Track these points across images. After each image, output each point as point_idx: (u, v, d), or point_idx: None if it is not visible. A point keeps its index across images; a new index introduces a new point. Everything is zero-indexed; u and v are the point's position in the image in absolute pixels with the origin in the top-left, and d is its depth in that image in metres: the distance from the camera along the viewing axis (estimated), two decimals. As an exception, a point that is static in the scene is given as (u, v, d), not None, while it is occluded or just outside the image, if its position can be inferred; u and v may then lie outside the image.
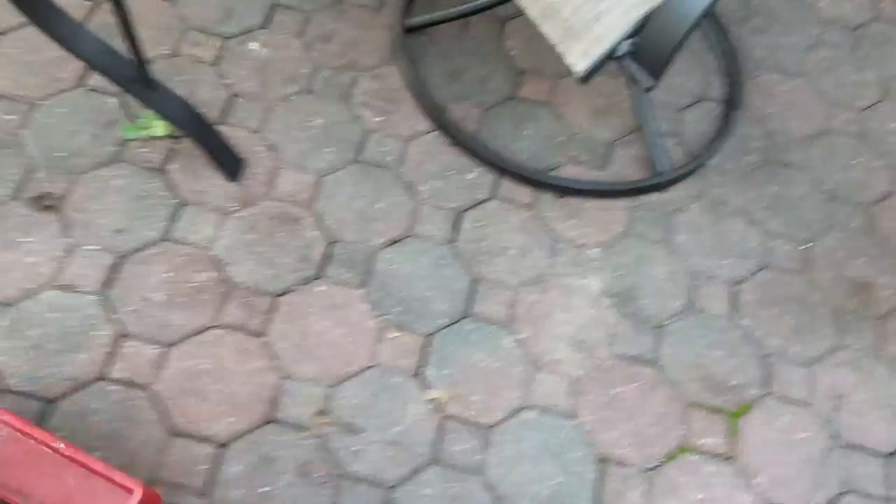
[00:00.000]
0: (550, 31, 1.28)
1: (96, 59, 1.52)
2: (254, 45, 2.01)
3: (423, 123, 1.96)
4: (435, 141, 1.94)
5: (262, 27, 2.05)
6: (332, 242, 1.76)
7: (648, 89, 1.36)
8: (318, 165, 1.86)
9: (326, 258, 1.74)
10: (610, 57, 1.23)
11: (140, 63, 1.55)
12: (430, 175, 1.89)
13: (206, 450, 1.49)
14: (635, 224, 1.90)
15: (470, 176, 1.90)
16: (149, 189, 1.76)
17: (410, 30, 2.07)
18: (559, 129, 2.01)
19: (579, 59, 1.22)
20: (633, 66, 1.30)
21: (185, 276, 1.67)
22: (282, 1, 2.10)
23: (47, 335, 1.55)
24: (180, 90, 1.89)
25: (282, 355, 1.61)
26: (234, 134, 1.86)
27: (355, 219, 1.80)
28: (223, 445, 1.50)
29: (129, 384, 1.53)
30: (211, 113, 1.88)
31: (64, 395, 1.50)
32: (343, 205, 1.81)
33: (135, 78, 1.58)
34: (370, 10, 2.13)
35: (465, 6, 2.06)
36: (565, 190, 1.89)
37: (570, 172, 1.95)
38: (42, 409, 1.48)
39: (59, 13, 1.46)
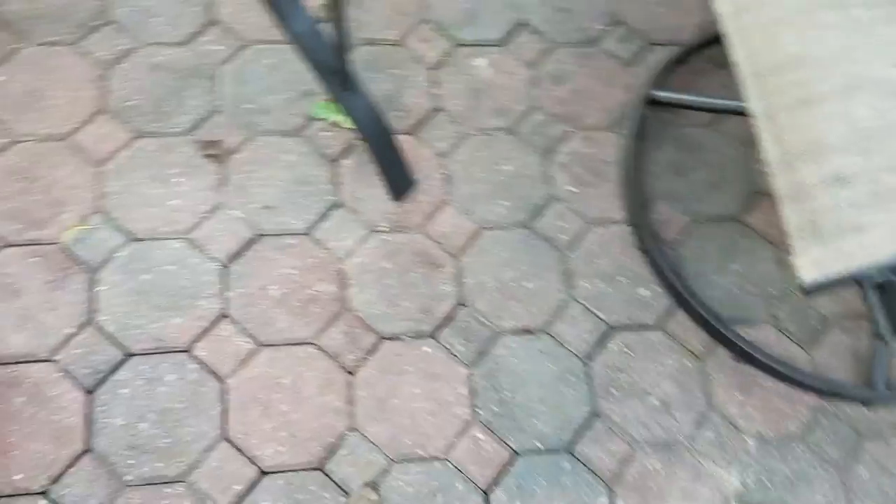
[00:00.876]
0: (790, 214, 0.98)
1: (301, 38, 1.42)
2: (480, 62, 1.84)
3: (617, 211, 1.70)
4: (620, 236, 1.67)
5: (496, 45, 1.87)
6: (460, 304, 1.57)
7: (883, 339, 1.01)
8: (485, 215, 1.67)
9: (447, 319, 1.56)
10: (850, 279, 0.92)
11: (342, 57, 1.43)
12: (598, 273, 1.63)
13: (248, 471, 1.40)
14: (815, 431, 1.53)
15: (642, 292, 1.63)
16: (314, 176, 1.67)
17: (654, 102, 1.79)
18: (775, 278, 1.66)
19: (809, 268, 0.92)
20: (876, 307, 0.97)
21: (308, 281, 1.57)
22: (531, 21, 1.90)
23: (156, 285, 1.53)
24: (387, 85, 1.77)
25: (360, 404, 1.47)
26: (418, 151, 1.72)
27: (496, 289, 1.60)
28: (264, 473, 1.41)
29: (208, 369, 1.47)
30: (405, 120, 1.74)
31: (143, 353, 1.47)
32: (490, 269, 1.61)
33: (333, 69, 1.47)
34: (620, 62, 1.87)
35: (726, 102, 1.74)
36: (748, 356, 1.56)
37: (765, 337, 1.60)
38: (116, 357, 1.46)
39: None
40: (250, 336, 1.51)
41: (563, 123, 1.78)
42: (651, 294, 1.63)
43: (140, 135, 1.66)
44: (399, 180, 1.65)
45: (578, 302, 1.60)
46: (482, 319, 1.57)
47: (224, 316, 1.52)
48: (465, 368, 1.52)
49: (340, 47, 1.41)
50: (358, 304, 1.56)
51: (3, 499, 1.33)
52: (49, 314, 1.47)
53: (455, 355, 1.53)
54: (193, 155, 1.66)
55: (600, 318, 1.59)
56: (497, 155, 1.73)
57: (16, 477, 1.35)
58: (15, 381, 1.41)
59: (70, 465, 1.37)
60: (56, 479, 1.35)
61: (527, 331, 1.57)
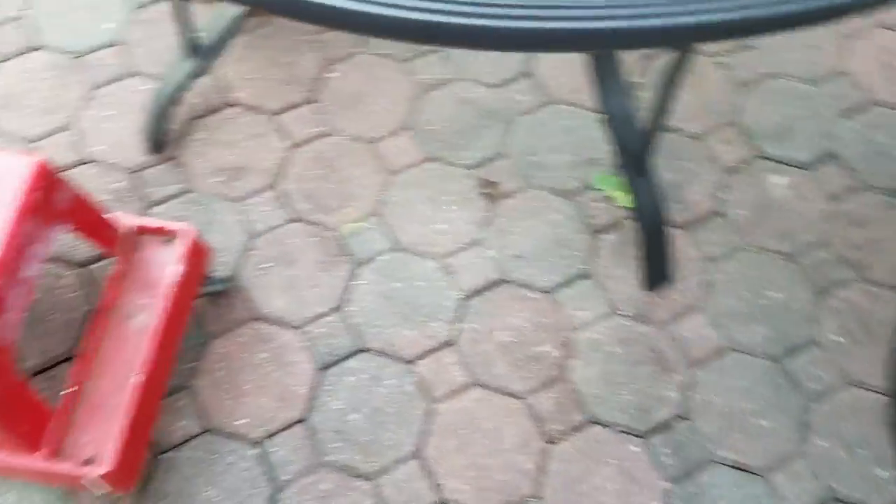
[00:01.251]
0: None
1: (613, 115, 1.46)
2: (779, 180, 1.76)
3: (879, 378, 1.54)
4: (875, 406, 1.51)
5: (800, 167, 1.78)
6: (681, 417, 1.51)
7: None
8: (735, 335, 1.59)
9: (663, 426, 1.50)
10: None
11: (646, 143, 1.45)
12: (839, 436, 1.49)
13: (429, 496, 1.44)
14: None
15: (880, 472, 1.46)
16: (572, 241, 1.69)
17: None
18: None
19: None
20: None
21: (536, 338, 1.59)
22: (844, 154, 1.79)
23: (403, 295, 1.63)
24: (674, 174, 1.76)
25: (550, 475, 1.46)
26: (686, 249, 1.68)
27: (724, 414, 1.51)
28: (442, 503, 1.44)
29: (423, 386, 1.54)
30: (682, 214, 1.71)
31: (374, 351, 1.57)
32: (725, 391, 1.53)
33: (634, 151, 1.49)
34: (933, 221, 1.70)
35: None
36: None
37: None
38: (352, 347, 1.57)
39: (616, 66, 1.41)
40: (468, 371, 1.56)
41: (848, 268, 1.65)
42: (889, 477, 1.45)
43: (431, 158, 1.79)
44: (657, 271, 1.62)
45: (808, 458, 1.47)
46: (700, 440, 1.49)
47: (450, 343, 1.59)
48: (665, 482, 1.45)
49: (648, 135, 1.42)
50: (577, 378, 1.55)
51: (220, 436, 1.49)
52: (311, 290, 1.63)
53: (660, 465, 1.47)
54: (471, 189, 1.76)
55: (824, 483, 1.45)
56: (767, 278, 1.64)
57: (239, 421, 1.50)
58: (265, 338, 1.58)
59: (285, 428, 1.50)
60: (271, 436, 1.49)
61: (744, 469, 1.46)
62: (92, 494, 1.39)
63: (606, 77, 1.43)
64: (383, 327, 1.60)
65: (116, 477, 1.26)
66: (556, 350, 1.58)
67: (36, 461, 1.22)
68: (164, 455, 1.46)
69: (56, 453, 1.24)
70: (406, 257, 1.68)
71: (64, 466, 1.23)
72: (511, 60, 1.92)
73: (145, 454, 1.43)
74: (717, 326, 1.59)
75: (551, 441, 1.49)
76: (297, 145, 1.80)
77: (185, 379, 1.53)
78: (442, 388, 1.54)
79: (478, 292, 1.64)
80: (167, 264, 1.41)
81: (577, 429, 1.50)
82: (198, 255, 1.47)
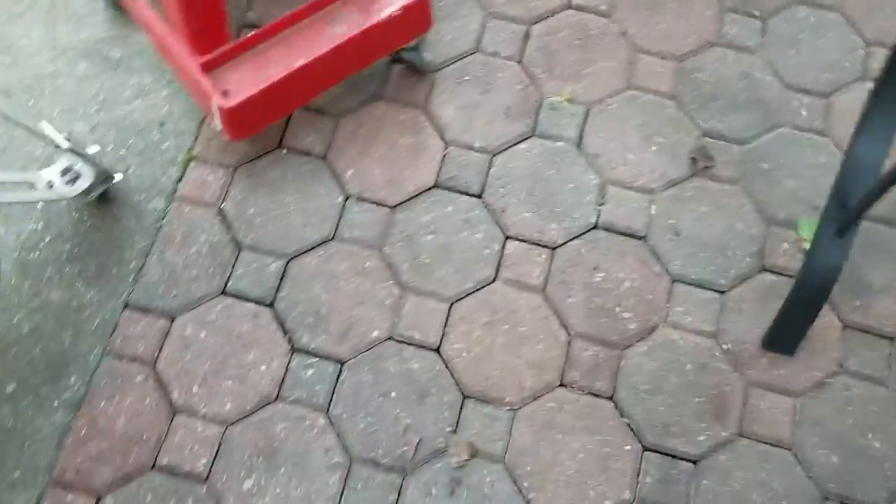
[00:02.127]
0: None
1: (855, 156, 1.27)
2: None
3: None
4: None
5: None
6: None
7: None
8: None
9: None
10: None
11: (862, 204, 1.26)
12: None
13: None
14: None
15: None
16: (733, 257, 1.55)
17: None
18: None
19: None
20: None
21: (624, 300, 1.50)
22: None
23: (545, 182, 1.60)
24: (867, 258, 1.52)
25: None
26: (827, 330, 1.47)
27: None
28: None
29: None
30: (843, 296, 1.49)
31: (479, 197, 1.57)
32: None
33: (846, 207, 1.30)
34: None
35: None
36: None
37: None
38: (476, 195, 1.59)
39: None
40: (542, 278, 1.52)
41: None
42: None
43: (677, 98, 1.70)
44: (787, 336, 1.44)
45: None
46: None
47: (551, 247, 1.55)
48: None
49: (874, 196, 1.23)
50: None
51: (327, 171, 1.59)
52: (483, 122, 1.66)
53: None
54: (687, 147, 1.64)
55: None
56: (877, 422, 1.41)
57: (348, 172, 1.60)
58: (418, 128, 1.64)
59: (416, 195, 1.58)
60: (361, 198, 1.57)
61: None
62: (210, 130, 1.58)
63: (879, 117, 1.24)
64: (511, 196, 1.59)
65: (232, 119, 1.40)
66: (633, 321, 1.48)
67: (192, 64, 1.40)
68: (277, 151, 1.60)
69: (209, 67, 1.40)
70: (577, 156, 1.63)
71: (205, 82, 1.39)
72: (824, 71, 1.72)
73: (263, 125, 1.56)
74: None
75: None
76: (580, 8, 1.78)
77: (334, 108, 1.64)
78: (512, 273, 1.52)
79: (611, 230, 1.56)
80: (391, 4, 1.48)
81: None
82: (419, 17, 1.53)
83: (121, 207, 1.55)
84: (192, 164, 1.60)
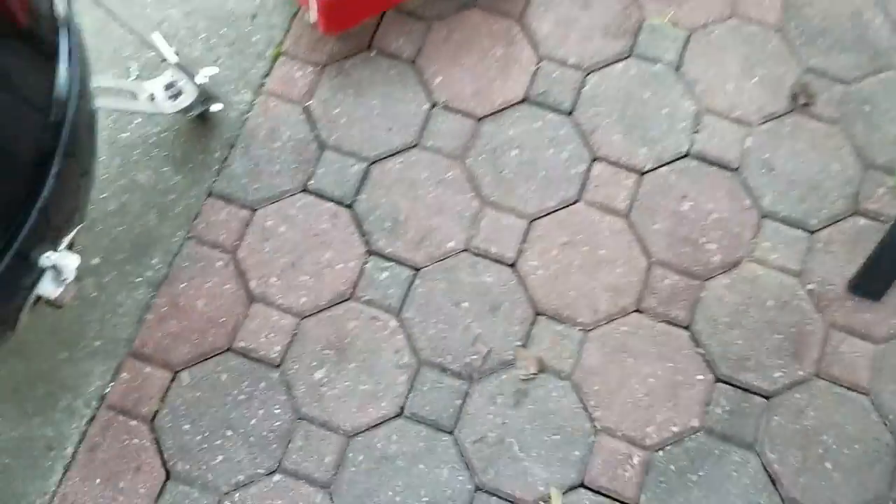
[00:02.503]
0: None
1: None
2: None
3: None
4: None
5: None
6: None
7: None
8: None
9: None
10: None
11: None
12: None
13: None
14: None
15: None
16: (826, 197, 1.50)
17: None
18: None
19: None
20: None
21: (708, 230, 1.47)
22: None
23: (639, 105, 1.56)
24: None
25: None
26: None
27: None
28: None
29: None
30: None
31: (570, 115, 1.54)
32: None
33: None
34: None
35: None
36: None
37: None
38: (567, 113, 1.55)
39: None
40: (622, 202, 1.49)
41: None
42: None
43: (783, 31, 1.62)
44: (875, 282, 1.39)
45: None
46: None
47: (638, 173, 1.51)
48: (692, 426, 1.34)
49: None
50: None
51: (414, 80, 1.57)
52: (580, 37, 1.61)
53: None
54: (787, 82, 1.58)
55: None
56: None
57: (436, 79, 1.57)
58: (513, 40, 1.60)
59: (505, 109, 1.55)
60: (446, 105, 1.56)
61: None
62: (301, 25, 1.57)
63: None
64: (603, 117, 1.55)
65: (329, 10, 1.38)
66: (717, 253, 1.45)
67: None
68: (365, 52, 1.58)
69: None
70: (675, 81, 1.58)
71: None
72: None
73: (358, 20, 1.55)
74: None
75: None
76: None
77: (427, 12, 1.61)
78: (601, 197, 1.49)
79: (703, 159, 1.52)
80: None
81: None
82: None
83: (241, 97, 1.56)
84: (281, 59, 1.59)
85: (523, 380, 1.38)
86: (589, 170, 1.51)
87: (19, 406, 1.35)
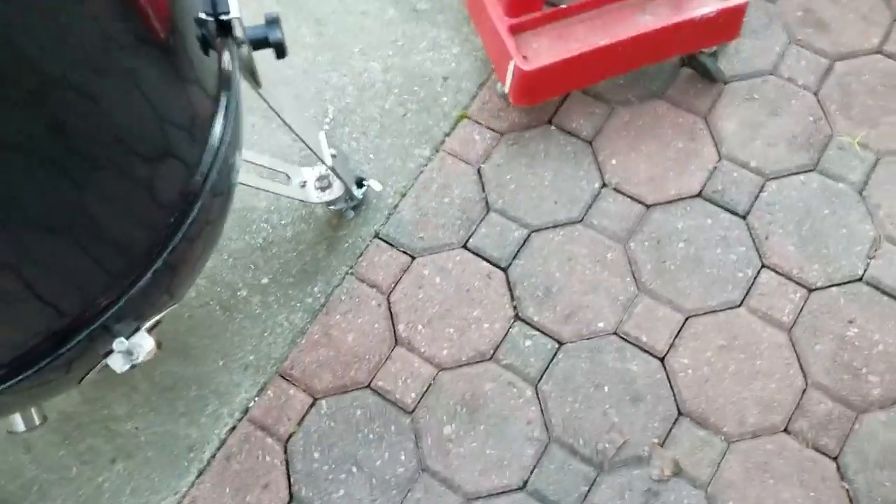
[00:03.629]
0: None
1: None
2: None
3: None
4: None
5: None
6: None
7: None
8: None
9: None
10: None
11: None
12: None
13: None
14: None
15: None
16: None
17: None
18: None
19: None
20: None
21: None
22: None
23: (820, 222, 1.51)
24: None
25: None
26: None
27: None
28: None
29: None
30: None
31: (744, 219, 1.51)
32: None
33: None
34: None
35: None
36: None
37: None
38: (741, 216, 1.53)
39: None
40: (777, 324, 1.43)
41: None
42: None
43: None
44: None
45: None
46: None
47: (809, 288, 1.45)
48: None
49: None
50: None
51: (584, 153, 1.60)
52: (767, 142, 1.59)
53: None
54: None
55: None
56: None
57: (611, 160, 1.59)
58: (693, 134, 1.60)
59: (677, 199, 1.56)
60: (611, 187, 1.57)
61: None
62: (487, 92, 1.64)
63: None
64: (777, 225, 1.51)
65: (523, 83, 1.44)
66: (878, 386, 1.36)
67: (501, 24, 1.45)
68: (545, 126, 1.62)
69: (516, 30, 1.45)
70: (857, 202, 1.52)
71: (510, 43, 1.44)
72: None
73: (547, 96, 1.60)
74: None
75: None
76: (890, 56, 1.66)
77: (613, 96, 1.64)
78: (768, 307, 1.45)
79: (877, 287, 1.45)
80: (705, 5, 1.46)
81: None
82: (730, 25, 1.49)
83: (389, 148, 1.64)
84: (464, 121, 1.66)
85: (656, 480, 1.33)
86: (756, 276, 1.47)
87: (171, 403, 1.44)
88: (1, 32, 0.59)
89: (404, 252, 1.55)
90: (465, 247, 1.55)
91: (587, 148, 1.61)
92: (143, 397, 1.44)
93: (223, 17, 0.89)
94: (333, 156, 1.39)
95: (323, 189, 1.48)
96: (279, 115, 1.16)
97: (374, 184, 1.56)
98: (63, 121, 0.68)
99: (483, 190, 1.59)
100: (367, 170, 1.62)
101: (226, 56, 0.94)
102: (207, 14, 0.89)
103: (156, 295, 0.92)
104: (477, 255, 1.54)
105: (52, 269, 0.79)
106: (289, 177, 1.48)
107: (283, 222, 1.59)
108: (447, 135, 1.65)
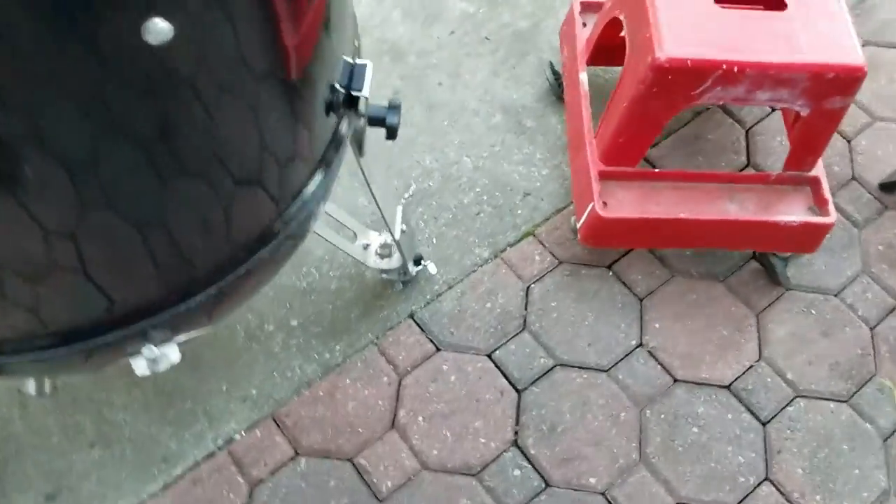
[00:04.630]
0: None
1: None
2: None
3: None
4: None
5: None
6: None
7: None
8: None
9: None
10: None
11: None
12: None
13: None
14: None
15: None
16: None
17: None
18: None
19: None
20: None
21: None
22: None
23: (834, 458, 1.48)
24: None
25: None
26: None
27: None
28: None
29: None
30: None
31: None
32: None
33: None
34: None
35: None
36: None
37: None
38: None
39: None
40: None
41: None
42: None
43: None
44: None
45: None
46: None
47: (807, 522, 1.42)
48: None
49: None
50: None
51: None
52: (813, 359, 1.59)
53: None
54: None
55: None
56: None
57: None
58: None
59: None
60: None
61: None
62: (560, 220, 1.68)
63: None
64: (793, 443, 1.49)
65: (596, 228, 1.48)
66: None
67: (593, 166, 1.50)
68: (604, 270, 1.65)
69: (605, 176, 1.50)
70: (878, 449, 1.50)
71: (596, 186, 1.48)
72: None
73: (614, 246, 1.63)
74: None
75: None
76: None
77: (675, 265, 1.66)
78: None
79: None
80: (792, 213, 1.49)
81: None
82: (810, 239, 1.52)
83: (453, 239, 1.68)
84: (530, 238, 1.70)
85: None
86: (757, 486, 1.45)
87: (163, 409, 1.46)
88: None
89: (431, 341, 1.57)
90: (489, 356, 1.56)
91: (636, 304, 1.63)
92: (142, 392, 1.47)
93: (354, 93, 0.95)
94: (403, 231, 1.44)
95: (382, 256, 1.52)
96: (368, 183, 1.21)
97: (430, 266, 1.60)
98: (175, 124, 0.73)
99: (525, 308, 1.62)
100: (426, 251, 1.66)
101: (344, 123, 1.00)
102: (342, 86, 0.95)
103: (199, 316, 0.95)
104: (498, 367, 1.55)
105: (118, 260, 0.83)
106: (355, 235, 1.53)
107: (331, 273, 1.63)
108: (510, 245, 1.69)
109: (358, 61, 0.98)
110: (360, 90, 0.97)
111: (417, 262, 1.59)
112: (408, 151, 1.79)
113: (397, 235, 1.41)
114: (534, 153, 1.80)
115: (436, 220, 1.71)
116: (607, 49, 1.63)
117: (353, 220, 1.53)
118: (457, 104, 1.87)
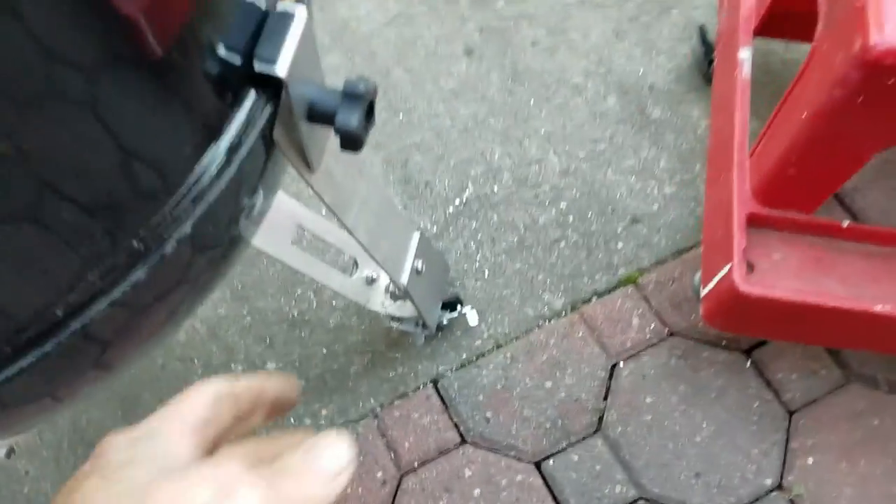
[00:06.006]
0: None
1: None
2: None
3: None
4: None
5: None
6: None
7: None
8: None
9: None
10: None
11: None
12: None
13: None
14: None
15: None
16: None
17: None
18: None
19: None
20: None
21: None
22: None
23: None
24: None
25: None
26: None
27: None
28: None
29: None
30: None
31: None
32: None
33: None
34: None
35: None
36: None
37: None
38: None
39: None
40: None
41: None
42: None
43: None
44: None
45: None
46: None
47: None
48: None
49: None
50: None
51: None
52: None
53: None
54: None
55: None
56: None
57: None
58: None
59: None
60: None
61: None
62: (679, 273, 1.10)
63: None
64: None
65: (729, 305, 0.90)
66: None
67: (740, 204, 0.91)
68: (741, 358, 1.06)
69: (755, 221, 0.91)
70: None
71: (738, 236, 0.90)
72: None
73: (751, 333, 1.05)
74: None
75: None
76: None
77: (856, 364, 1.05)
78: None
79: None
80: None
81: None
82: None
83: (514, 275, 1.16)
84: (629, 287, 1.14)
85: None
86: None
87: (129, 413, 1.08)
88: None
89: (456, 426, 1.07)
90: (537, 465, 1.05)
91: (784, 418, 1.04)
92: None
93: (259, 67, 0.46)
94: (418, 272, 0.94)
95: (395, 298, 1.03)
96: (332, 210, 0.71)
97: (471, 315, 1.11)
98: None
99: (605, 398, 1.08)
100: (471, 290, 1.15)
101: (244, 110, 0.50)
102: (236, 50, 0.46)
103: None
104: (549, 487, 1.03)
105: None
106: (357, 265, 1.03)
107: (333, 303, 1.16)
108: (598, 295, 1.14)
109: (279, 5, 0.48)
110: (271, 61, 0.46)
111: (452, 306, 1.09)
112: (472, 135, 1.27)
113: (403, 281, 0.91)
114: (656, 159, 1.22)
115: (493, 242, 1.19)
116: (790, 16, 1.03)
117: (352, 242, 1.03)
118: (553, 75, 1.31)
